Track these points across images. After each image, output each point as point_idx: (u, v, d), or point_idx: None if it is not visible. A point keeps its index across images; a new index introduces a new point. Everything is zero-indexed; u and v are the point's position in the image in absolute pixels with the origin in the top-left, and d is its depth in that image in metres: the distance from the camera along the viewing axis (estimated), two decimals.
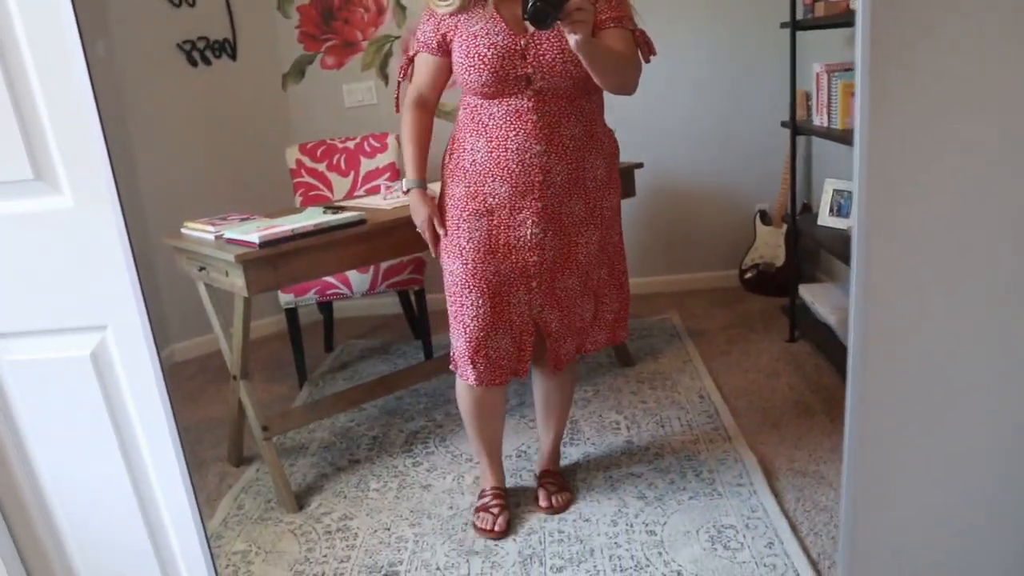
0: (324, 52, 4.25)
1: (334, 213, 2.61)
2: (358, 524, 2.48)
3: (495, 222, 2.11)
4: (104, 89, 3.58)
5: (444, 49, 2.10)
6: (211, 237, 2.55)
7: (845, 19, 2.98)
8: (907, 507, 1.46)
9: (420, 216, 2.22)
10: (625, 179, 3.25)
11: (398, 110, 2.28)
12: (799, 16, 3.25)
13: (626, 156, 3.35)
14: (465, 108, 2.12)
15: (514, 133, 2.02)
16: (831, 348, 3.28)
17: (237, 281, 2.38)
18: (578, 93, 2.04)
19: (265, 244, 2.35)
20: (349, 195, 3.74)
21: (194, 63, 3.96)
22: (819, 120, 3.26)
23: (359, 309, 4.55)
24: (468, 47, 2.00)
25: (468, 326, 2.18)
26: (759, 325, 3.87)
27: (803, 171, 4.24)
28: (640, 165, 3.31)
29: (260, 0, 4.13)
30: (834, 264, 4.02)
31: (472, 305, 2.15)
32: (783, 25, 3.32)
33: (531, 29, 1.94)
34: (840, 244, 3.12)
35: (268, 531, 2.49)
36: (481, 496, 2.47)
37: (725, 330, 3.84)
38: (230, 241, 2.46)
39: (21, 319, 1.47)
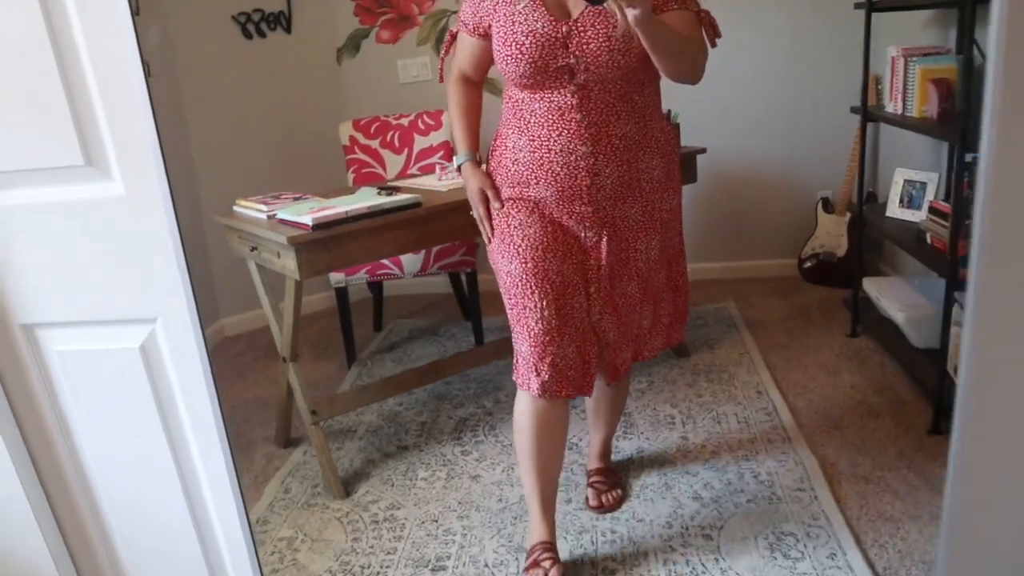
0: (380, 26, 4.18)
1: (388, 195, 2.55)
2: (405, 514, 2.43)
3: (548, 222, 1.93)
4: (158, 61, 3.55)
5: (483, 32, 1.93)
6: (263, 217, 2.51)
7: (928, 1, 2.83)
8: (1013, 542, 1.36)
9: (472, 189, 2.04)
10: (687, 165, 3.14)
11: (442, 80, 2.17)
12: None
13: (686, 139, 3.24)
14: (507, 101, 1.95)
15: (557, 133, 1.84)
16: (896, 346, 3.15)
17: (289, 263, 2.33)
18: (629, 86, 1.84)
19: (318, 226, 2.29)
20: (402, 173, 3.68)
21: (249, 36, 3.92)
22: (893, 107, 3.11)
23: (409, 288, 4.50)
24: (505, 34, 1.82)
25: (532, 329, 1.91)
26: (819, 318, 3.74)
27: (869, 158, 4.08)
28: (703, 150, 3.19)
29: None
30: (900, 257, 3.87)
31: (536, 307, 1.90)
32: (857, 6, 3.16)
33: (575, 14, 1.79)
34: (910, 237, 2.98)
35: (314, 518, 2.46)
36: (530, 553, 2.10)
37: (783, 322, 3.72)
38: (282, 222, 2.41)
39: (70, 309, 1.43)
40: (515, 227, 1.94)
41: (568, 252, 1.94)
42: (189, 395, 1.51)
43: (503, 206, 1.98)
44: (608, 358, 2.08)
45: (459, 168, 2.11)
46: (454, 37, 2.08)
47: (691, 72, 1.79)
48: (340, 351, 3.69)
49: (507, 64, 1.83)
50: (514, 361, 2.01)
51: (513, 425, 2.07)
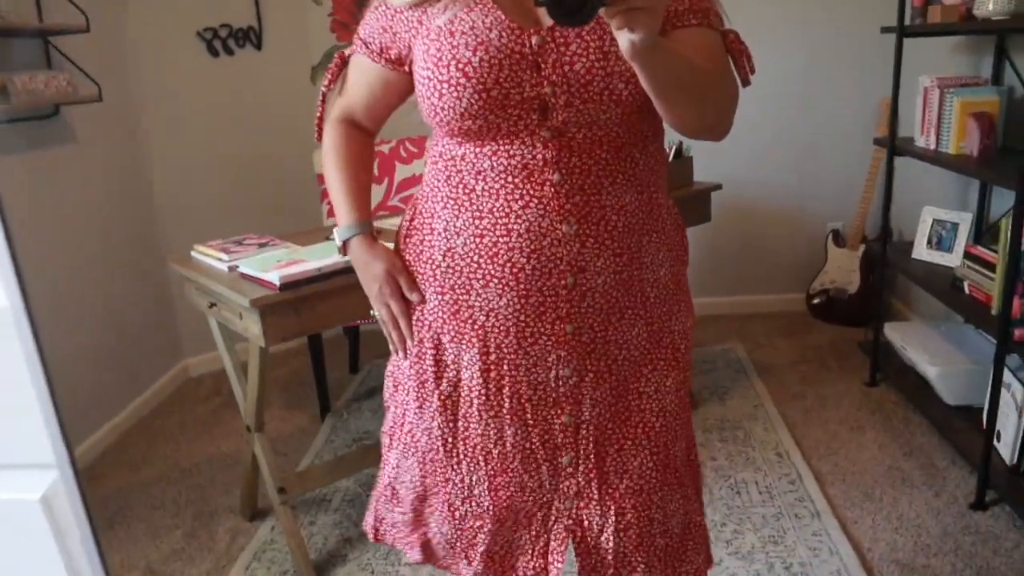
0: None
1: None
2: None
3: (492, 358, 1.25)
4: (117, 79, 3.23)
5: (395, 58, 1.25)
6: (224, 268, 2.19)
7: (965, 27, 2.56)
8: None
9: (373, 274, 1.34)
10: (700, 202, 2.87)
11: (319, 138, 1.43)
12: (906, 21, 2.82)
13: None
14: (435, 161, 1.25)
15: (521, 204, 1.16)
16: (923, 400, 2.87)
17: (253, 328, 2.01)
18: (629, 137, 1.18)
19: (286, 286, 1.98)
20: (382, 205, 3.37)
21: (215, 53, 3.59)
22: (924, 141, 2.84)
23: None
24: (439, 54, 1.14)
25: (449, 500, 1.37)
26: (832, 362, 3.47)
27: (883, 189, 3.82)
28: (718, 187, 2.90)
29: None
30: (916, 296, 3.61)
31: (459, 482, 1.34)
32: (885, 30, 2.89)
33: (549, 22, 1.12)
34: (943, 284, 2.71)
35: None
36: None
37: (795, 366, 3.44)
38: (245, 277, 2.09)
39: None
40: (431, 367, 1.31)
41: (520, 409, 1.27)
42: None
43: (422, 301, 1.30)
44: None
45: (344, 244, 1.39)
46: (344, 62, 1.37)
47: (715, 123, 1.16)
48: (313, 397, 3.37)
49: (441, 100, 1.14)
50: (372, 502, 1.51)
51: None
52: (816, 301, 3.92)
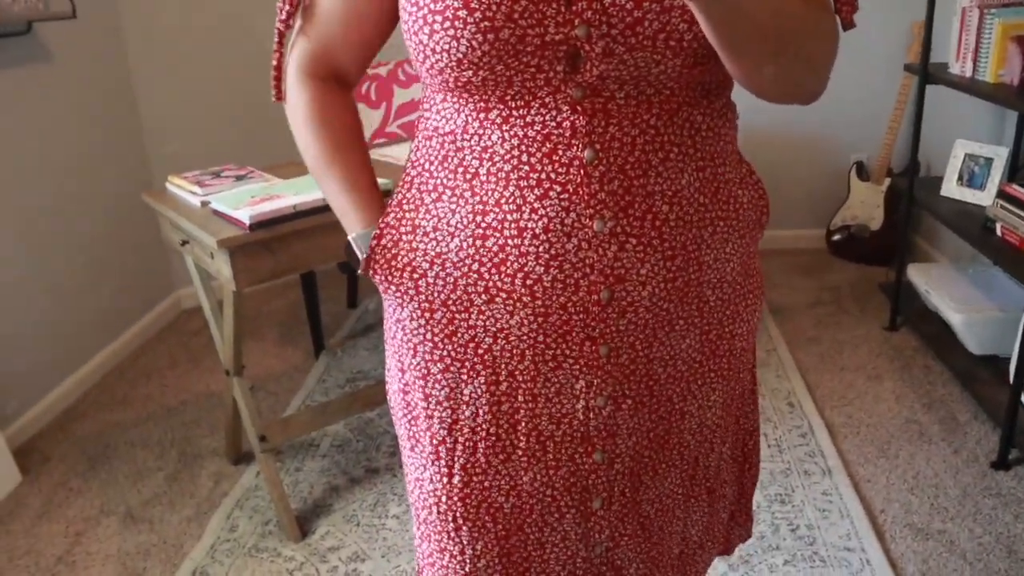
0: None
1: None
2: (371, 569, 2.02)
3: (503, 388, 0.95)
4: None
5: None
6: (196, 204, 2.04)
7: None
8: None
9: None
10: None
11: (279, 96, 1.06)
12: None
13: None
14: (428, 136, 0.93)
15: (539, 194, 0.85)
16: (946, 348, 2.71)
17: (224, 270, 1.87)
18: (688, 96, 0.86)
19: (257, 225, 1.82)
20: (380, 131, 3.18)
21: None
22: (960, 67, 2.61)
23: None
24: None
25: None
26: (851, 304, 3.30)
27: (912, 119, 3.59)
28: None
29: None
30: (943, 235, 3.41)
31: (459, 554, 1.02)
32: None
33: None
34: (973, 225, 2.52)
35: (262, 570, 2.04)
36: None
37: (812, 308, 3.28)
38: (217, 214, 1.94)
39: None
40: (430, 400, 0.99)
41: (539, 448, 0.97)
42: None
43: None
44: None
45: (354, 253, 1.02)
46: None
47: (805, 81, 0.82)
48: (309, 332, 3.25)
49: (432, 39, 0.81)
50: None
51: None
52: (836, 238, 3.73)
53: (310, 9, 0.96)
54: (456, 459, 0.98)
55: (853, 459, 2.31)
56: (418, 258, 0.92)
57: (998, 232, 2.41)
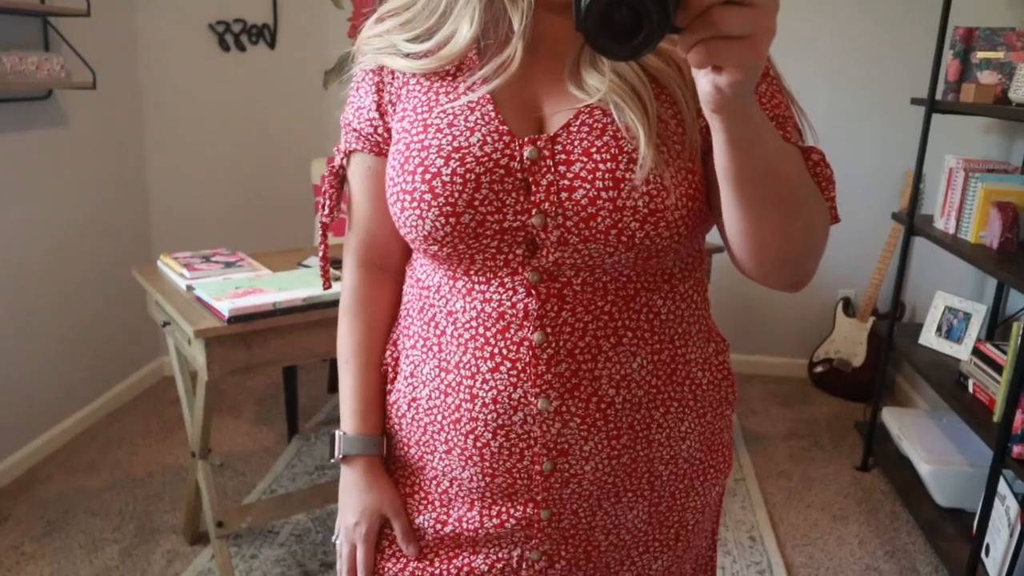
0: None
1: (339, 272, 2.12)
2: None
3: (447, 530, 0.98)
4: (118, 66, 3.14)
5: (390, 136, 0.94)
6: (182, 287, 2.08)
7: (998, 111, 2.41)
8: None
9: (355, 509, 1.02)
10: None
11: (326, 284, 1.07)
12: (938, 96, 2.66)
13: None
14: (411, 284, 0.99)
15: (490, 367, 0.89)
16: (914, 496, 2.71)
17: (199, 357, 1.90)
18: (648, 279, 0.89)
19: (236, 319, 1.86)
20: None
21: (226, 47, 3.50)
22: (943, 223, 2.68)
23: None
24: (408, 149, 0.88)
25: None
26: (826, 439, 3.30)
27: (898, 265, 3.66)
28: (720, 249, 2.76)
29: None
30: (926, 384, 3.43)
31: None
32: (916, 101, 2.74)
33: (554, 123, 0.86)
34: (947, 378, 2.55)
35: None
36: None
37: (787, 440, 3.29)
38: (199, 300, 1.98)
39: None
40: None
41: None
42: None
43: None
44: None
45: (343, 458, 1.03)
46: (339, 176, 1.01)
47: (804, 252, 0.84)
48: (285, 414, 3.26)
49: (403, 214, 0.88)
50: None
51: None
52: (819, 370, 3.76)
53: (350, 203, 1.02)
54: None
55: None
56: (400, 399, 0.99)
57: (970, 388, 2.43)
